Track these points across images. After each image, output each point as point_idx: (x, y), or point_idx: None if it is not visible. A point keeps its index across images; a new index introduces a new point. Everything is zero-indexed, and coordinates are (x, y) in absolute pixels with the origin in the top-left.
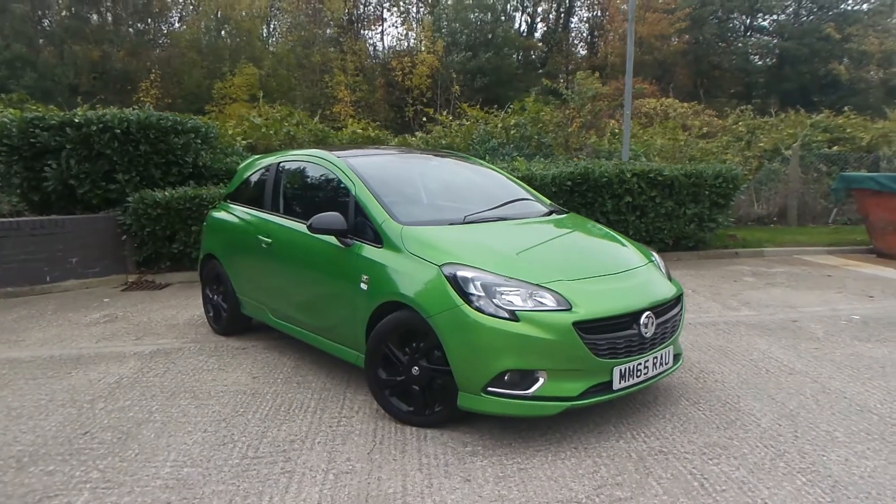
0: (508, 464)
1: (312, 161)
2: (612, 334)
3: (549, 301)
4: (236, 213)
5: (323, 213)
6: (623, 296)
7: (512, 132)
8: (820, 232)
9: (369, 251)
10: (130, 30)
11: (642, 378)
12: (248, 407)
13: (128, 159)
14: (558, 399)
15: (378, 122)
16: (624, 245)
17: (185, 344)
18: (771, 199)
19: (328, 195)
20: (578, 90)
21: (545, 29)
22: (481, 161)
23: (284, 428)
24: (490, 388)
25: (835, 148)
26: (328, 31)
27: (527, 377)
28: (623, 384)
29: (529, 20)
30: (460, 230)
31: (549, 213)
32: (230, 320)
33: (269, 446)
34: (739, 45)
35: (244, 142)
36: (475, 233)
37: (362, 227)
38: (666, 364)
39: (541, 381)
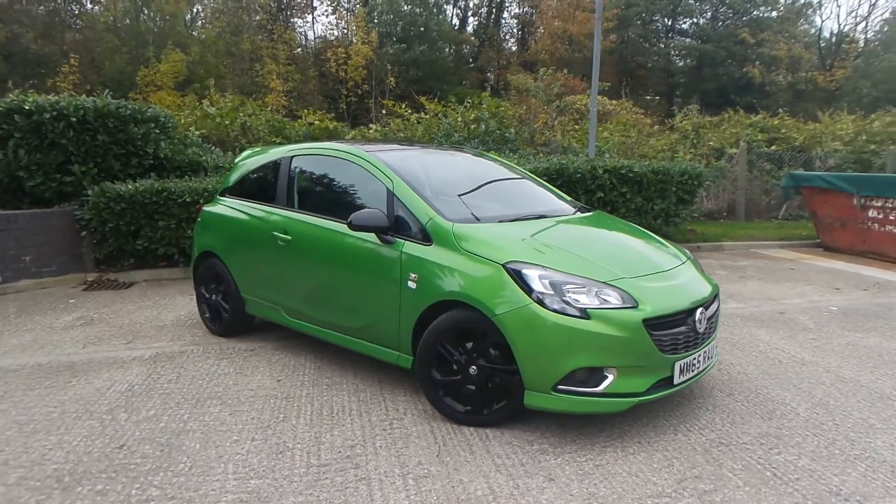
0: (582, 461)
1: (336, 155)
2: (673, 330)
3: (615, 299)
4: (240, 209)
5: (363, 210)
6: (679, 292)
7: (473, 127)
8: (767, 227)
9: (416, 249)
10: (41, 9)
11: (696, 372)
12: (288, 412)
13: (85, 150)
14: (627, 395)
15: (332, 114)
16: (664, 244)
17: (186, 347)
18: (719, 195)
19: (359, 191)
20: (545, 87)
21: (477, 23)
22: (495, 156)
23: (337, 433)
24: (560, 387)
25: (773, 147)
26: (256, 17)
27: (595, 374)
28: (682, 378)
29: (461, 14)
30: (511, 228)
31: (578, 211)
32: (232, 321)
33: (330, 452)
34: (661, 46)
35: (197, 132)
36: (526, 230)
37: (404, 224)
38: (711, 358)
39: (610, 377)
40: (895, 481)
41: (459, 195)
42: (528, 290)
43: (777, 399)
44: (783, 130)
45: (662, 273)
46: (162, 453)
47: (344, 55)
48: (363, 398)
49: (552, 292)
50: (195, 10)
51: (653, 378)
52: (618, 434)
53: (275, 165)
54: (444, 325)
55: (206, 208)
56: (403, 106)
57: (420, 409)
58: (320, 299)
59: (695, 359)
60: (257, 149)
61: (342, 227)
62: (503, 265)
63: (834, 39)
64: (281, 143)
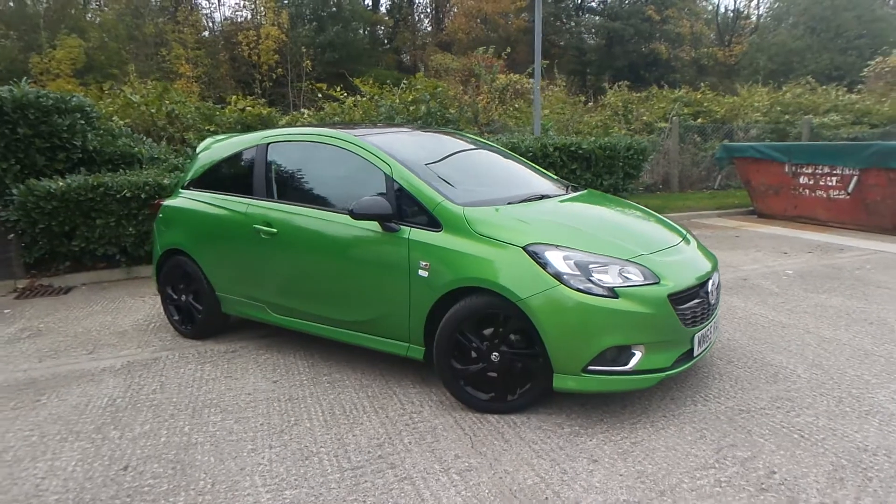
0: (618, 440)
1: (321, 141)
2: (691, 303)
3: (638, 276)
4: (212, 202)
5: (365, 198)
6: (691, 265)
7: (412, 108)
8: (702, 197)
9: (425, 235)
10: None
11: (708, 343)
12: (298, 414)
13: (4, 144)
14: (654, 371)
15: (264, 100)
16: (662, 219)
17: (158, 353)
18: (654, 168)
19: (352, 178)
20: (493, 67)
21: (390, 3)
22: (473, 135)
23: (358, 432)
24: (591, 367)
25: (698, 120)
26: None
27: (624, 352)
28: (699, 350)
29: None
30: (521, 210)
31: (570, 189)
32: (207, 322)
33: (358, 454)
34: (573, 24)
35: (121, 122)
36: (536, 212)
37: (408, 210)
38: (717, 328)
39: (638, 355)
40: None
41: (458, 178)
42: (553, 271)
43: (774, 363)
44: (705, 104)
45: (672, 248)
46: (175, 471)
47: (255, 37)
48: (371, 394)
49: (578, 273)
50: None
51: (676, 352)
52: (641, 410)
53: (248, 154)
54: (463, 312)
55: (168, 203)
56: (339, 89)
57: (436, 401)
58: (313, 294)
59: (708, 330)
60: (220, 137)
61: (336, 217)
62: (523, 248)
63: (731, 16)
64: (214, 132)
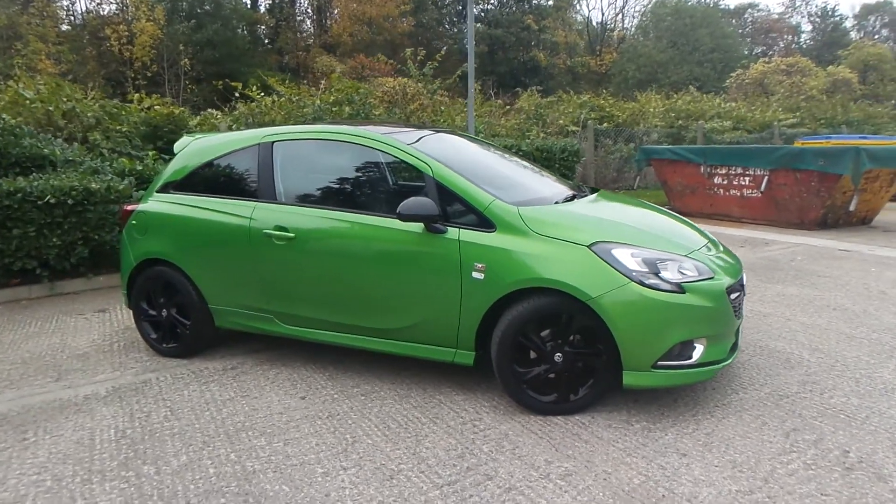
0: (691, 433)
1: (341, 139)
2: (734, 296)
3: (693, 271)
4: (202, 206)
5: (411, 199)
6: (729, 261)
7: (336, 109)
8: None
9: (477, 236)
10: None
11: (741, 334)
12: (350, 431)
13: None
14: (714, 363)
15: (174, 99)
16: (681, 217)
17: (142, 375)
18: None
19: (385, 178)
20: (426, 69)
21: (270, 2)
22: (471, 135)
23: (429, 444)
24: (660, 363)
25: (604, 125)
26: None
27: (687, 346)
28: (739, 341)
29: None
30: (571, 208)
31: (586, 192)
32: (195, 338)
33: (444, 467)
34: (455, 30)
35: (12, 120)
36: (585, 210)
37: (454, 210)
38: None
39: (700, 348)
40: None
41: (488, 177)
42: (623, 269)
43: (779, 350)
44: (607, 109)
45: (710, 243)
46: None
47: (126, 33)
48: (416, 403)
49: (646, 270)
50: None
51: (728, 342)
52: (692, 402)
53: (247, 154)
54: (526, 314)
55: (143, 208)
56: (254, 89)
57: (489, 406)
58: (340, 301)
59: (741, 322)
60: (200, 135)
61: (370, 219)
62: (588, 246)
63: (598, 28)
64: (128, 133)
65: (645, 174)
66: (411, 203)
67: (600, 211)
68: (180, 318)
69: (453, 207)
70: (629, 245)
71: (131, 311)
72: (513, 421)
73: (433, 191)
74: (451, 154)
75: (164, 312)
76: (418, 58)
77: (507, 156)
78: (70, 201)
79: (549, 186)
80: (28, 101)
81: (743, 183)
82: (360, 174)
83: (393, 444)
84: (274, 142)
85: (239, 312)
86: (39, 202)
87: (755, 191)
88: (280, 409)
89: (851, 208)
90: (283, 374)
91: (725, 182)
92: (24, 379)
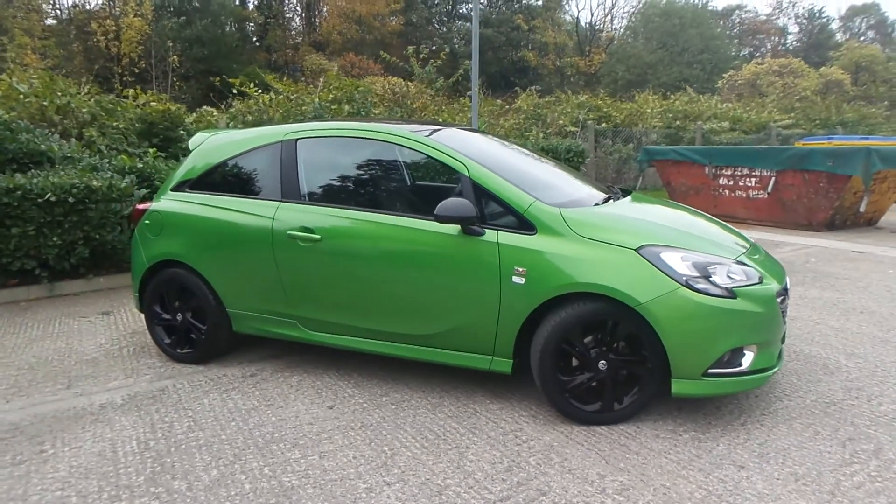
0: (743, 443)
1: (369, 137)
2: (783, 301)
3: (741, 275)
4: (220, 206)
5: (449, 200)
6: (774, 265)
7: (335, 108)
8: None
9: (517, 239)
10: None
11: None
12: (387, 443)
13: None
14: (764, 370)
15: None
16: (717, 220)
17: (157, 383)
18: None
19: (417, 178)
20: (429, 68)
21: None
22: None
23: (472, 457)
24: (711, 370)
25: (602, 125)
26: None
27: (737, 354)
28: (783, 348)
29: None
30: (612, 210)
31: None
32: (212, 343)
33: (492, 482)
34: (445, 29)
35: (6, 116)
36: (627, 212)
37: (492, 211)
38: None
39: (750, 355)
40: None
41: (522, 178)
42: (673, 273)
43: (815, 355)
44: (605, 109)
45: (753, 247)
46: None
47: (114, 28)
48: (450, 413)
49: (697, 274)
50: None
51: (776, 348)
52: (738, 411)
53: (267, 152)
54: (571, 320)
55: (157, 207)
56: (252, 86)
57: (528, 415)
58: (370, 306)
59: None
60: (216, 132)
61: (402, 221)
62: (636, 250)
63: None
64: (125, 130)
65: (645, 174)
66: (449, 204)
67: (642, 213)
68: (196, 323)
69: (490, 209)
70: (678, 248)
71: (143, 315)
72: (556, 431)
73: (469, 191)
74: (484, 153)
75: (179, 316)
76: (421, 56)
77: (535, 156)
78: (71, 199)
79: (580, 187)
80: (22, 96)
81: (749, 184)
82: (388, 173)
83: (435, 457)
84: (298, 139)
85: (259, 317)
86: (39, 200)
87: (761, 192)
88: (309, 420)
89: (861, 209)
90: (307, 382)
91: (731, 183)
92: (34, 386)
